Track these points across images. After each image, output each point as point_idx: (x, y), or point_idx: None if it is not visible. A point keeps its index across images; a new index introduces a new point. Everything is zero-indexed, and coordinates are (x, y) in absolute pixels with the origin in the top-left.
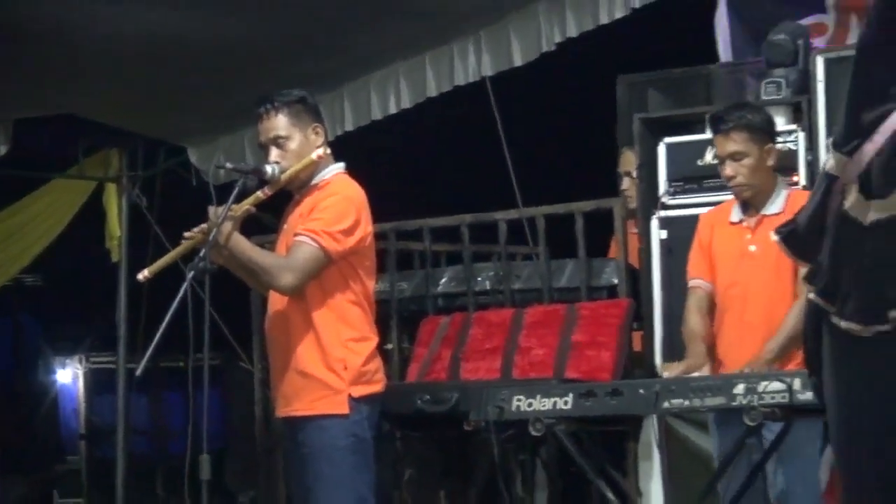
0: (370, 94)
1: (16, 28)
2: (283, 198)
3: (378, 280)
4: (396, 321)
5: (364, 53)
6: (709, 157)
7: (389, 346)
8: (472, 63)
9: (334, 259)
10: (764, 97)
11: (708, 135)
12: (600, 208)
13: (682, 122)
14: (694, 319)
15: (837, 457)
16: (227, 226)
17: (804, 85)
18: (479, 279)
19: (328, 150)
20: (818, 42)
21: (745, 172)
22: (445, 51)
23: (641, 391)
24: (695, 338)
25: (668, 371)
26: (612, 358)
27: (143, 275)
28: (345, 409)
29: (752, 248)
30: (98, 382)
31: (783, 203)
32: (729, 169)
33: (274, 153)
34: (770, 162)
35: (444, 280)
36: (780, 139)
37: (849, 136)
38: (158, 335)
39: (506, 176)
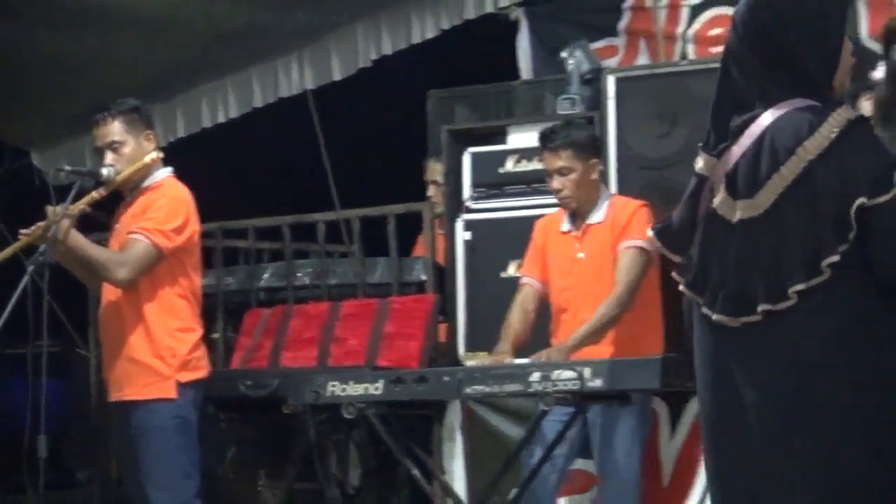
0: (201, 104)
1: None
2: (116, 198)
3: (205, 275)
4: (222, 313)
5: (196, 66)
6: (509, 165)
7: (216, 336)
8: (295, 77)
9: (165, 255)
10: (559, 112)
11: (509, 145)
12: (410, 211)
13: (485, 134)
14: (515, 315)
15: (706, 435)
16: (66, 223)
17: (596, 101)
18: (299, 275)
19: (160, 155)
20: (609, 62)
21: (570, 186)
22: (270, 66)
23: (446, 378)
24: (508, 334)
25: (472, 360)
26: (420, 348)
27: None
28: (172, 394)
29: (581, 255)
30: None
31: (605, 212)
32: (556, 182)
33: (109, 157)
34: (594, 176)
35: (266, 275)
36: None
37: (717, 139)
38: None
39: (325, 181)
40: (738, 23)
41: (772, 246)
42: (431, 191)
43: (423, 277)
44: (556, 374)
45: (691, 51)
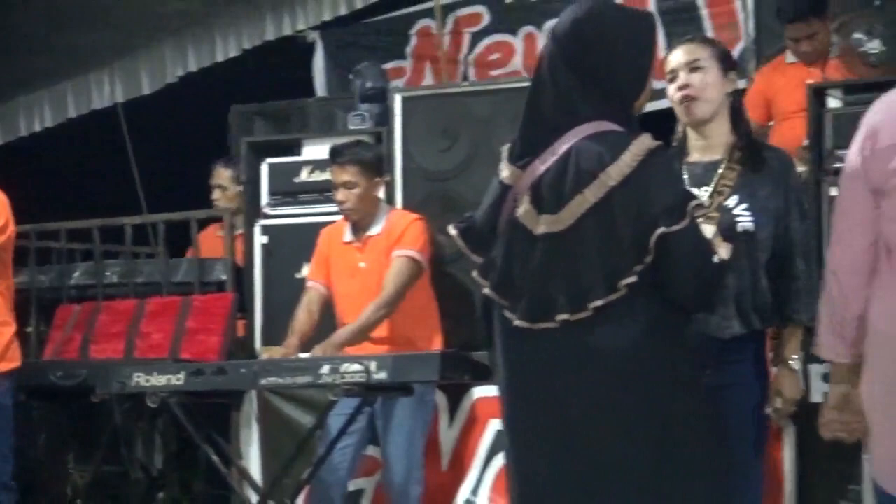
0: (18, 115)
1: None
2: None
3: (20, 273)
4: (35, 308)
5: (14, 79)
6: (304, 175)
7: (29, 330)
8: (106, 90)
9: None
10: (350, 127)
11: (303, 157)
12: (212, 216)
13: (283, 146)
14: (301, 316)
15: (506, 430)
16: None
17: (385, 118)
18: (108, 274)
19: None
20: (397, 83)
21: (353, 199)
22: (84, 80)
23: (242, 370)
24: (295, 332)
25: (267, 354)
26: (219, 342)
27: None
28: None
29: (362, 264)
30: None
31: (383, 224)
32: (341, 195)
33: None
34: (376, 192)
35: (77, 274)
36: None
37: (523, 151)
38: None
39: (133, 187)
40: (558, 37)
41: (573, 260)
42: (217, 194)
43: (223, 277)
44: (344, 367)
45: (472, 73)
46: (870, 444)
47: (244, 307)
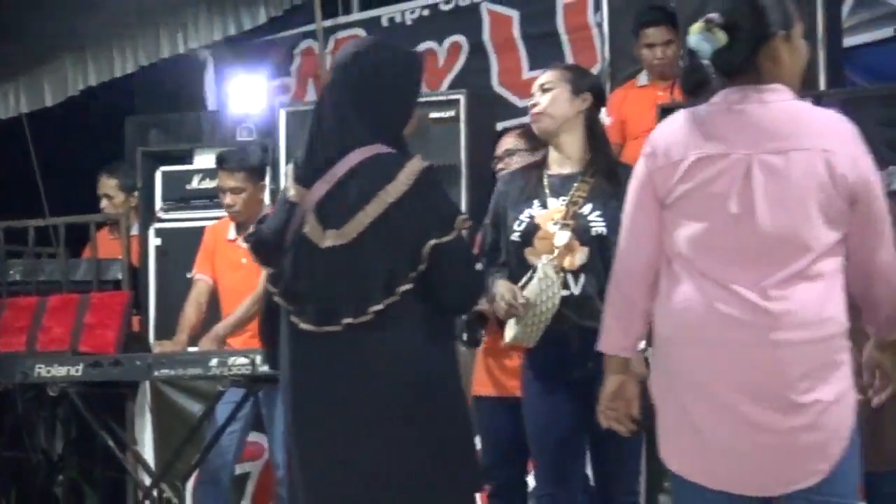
0: None
1: None
2: None
3: None
4: None
5: None
6: (195, 182)
7: None
8: (11, 102)
9: None
10: (239, 138)
11: (195, 165)
12: (109, 220)
13: (175, 155)
14: (189, 309)
15: (290, 420)
16: None
17: (271, 129)
18: (12, 273)
19: None
20: (283, 98)
21: (240, 203)
22: None
23: (137, 362)
24: (184, 327)
25: (160, 347)
26: (115, 336)
27: None
28: None
29: (244, 260)
30: None
31: None
32: (228, 199)
33: None
34: (261, 195)
35: None
36: None
37: (307, 173)
38: None
39: (37, 192)
40: (339, 69)
41: (355, 270)
42: (104, 203)
43: (119, 276)
44: (231, 360)
45: None
46: (658, 429)
47: (139, 304)
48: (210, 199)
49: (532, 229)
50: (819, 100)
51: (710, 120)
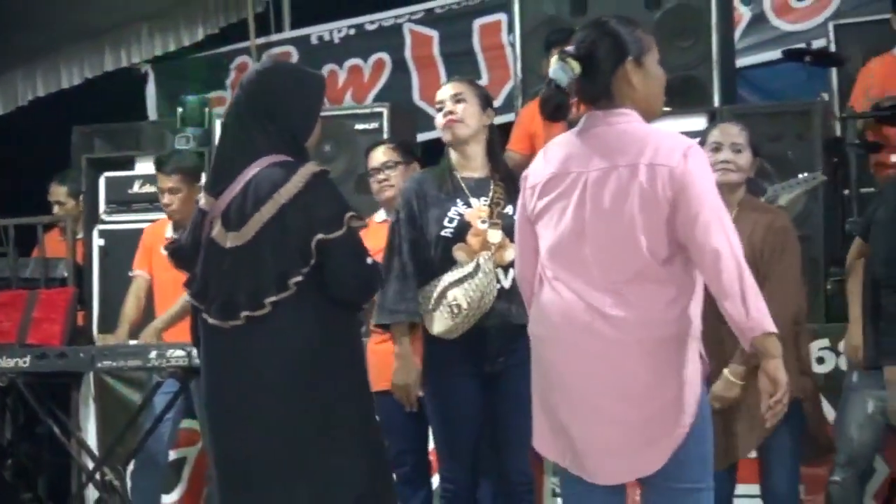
0: None
1: None
2: None
3: None
4: None
5: None
6: (136, 187)
7: None
8: None
9: None
10: (177, 147)
11: (136, 171)
12: (55, 221)
13: (118, 162)
14: (129, 304)
15: (205, 410)
16: None
17: (207, 139)
18: None
19: None
20: (218, 110)
21: (177, 202)
22: None
23: (81, 354)
24: (125, 321)
25: (103, 340)
26: (61, 330)
27: None
28: None
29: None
30: None
31: None
32: (166, 199)
33: None
34: (197, 196)
35: None
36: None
37: (215, 183)
38: None
39: None
40: (244, 86)
41: (253, 267)
42: (56, 209)
43: (65, 274)
44: (169, 352)
45: None
46: (533, 423)
47: (83, 300)
48: (150, 202)
49: (463, 226)
50: (713, 115)
51: (569, 143)
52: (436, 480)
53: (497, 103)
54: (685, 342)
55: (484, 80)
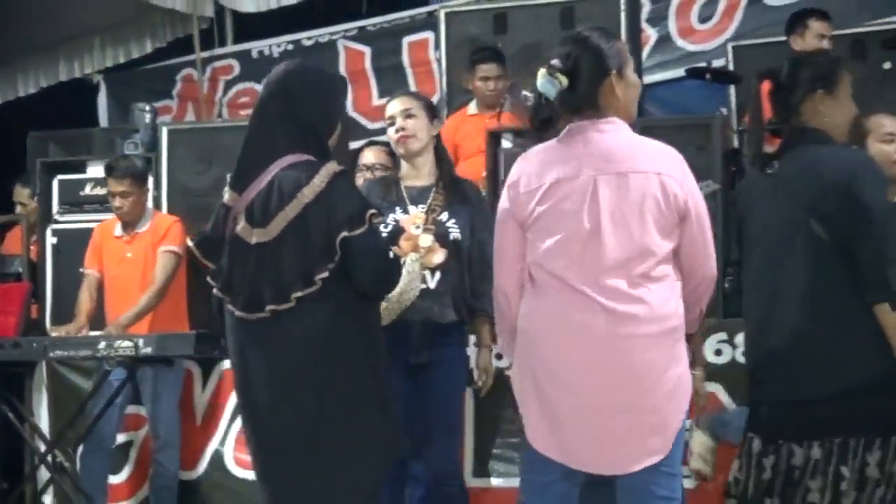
0: None
1: None
2: None
3: None
4: None
5: None
6: (88, 189)
7: None
8: None
9: None
10: (126, 152)
11: (88, 175)
12: (10, 220)
13: (71, 166)
14: (82, 298)
15: (238, 395)
16: None
17: (154, 145)
18: None
19: None
20: (165, 118)
21: (128, 205)
22: None
23: (35, 345)
24: (80, 312)
25: (56, 332)
26: (16, 322)
27: None
28: None
29: (129, 254)
30: None
31: (149, 224)
32: (117, 202)
33: None
34: (145, 198)
35: None
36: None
37: (240, 179)
38: None
39: None
40: (269, 85)
41: (278, 263)
42: (19, 209)
43: (20, 270)
44: (118, 343)
45: (225, 113)
46: (522, 414)
47: (37, 294)
48: (101, 203)
49: (397, 231)
50: None
51: (561, 149)
52: None
53: None
54: (681, 333)
55: None
